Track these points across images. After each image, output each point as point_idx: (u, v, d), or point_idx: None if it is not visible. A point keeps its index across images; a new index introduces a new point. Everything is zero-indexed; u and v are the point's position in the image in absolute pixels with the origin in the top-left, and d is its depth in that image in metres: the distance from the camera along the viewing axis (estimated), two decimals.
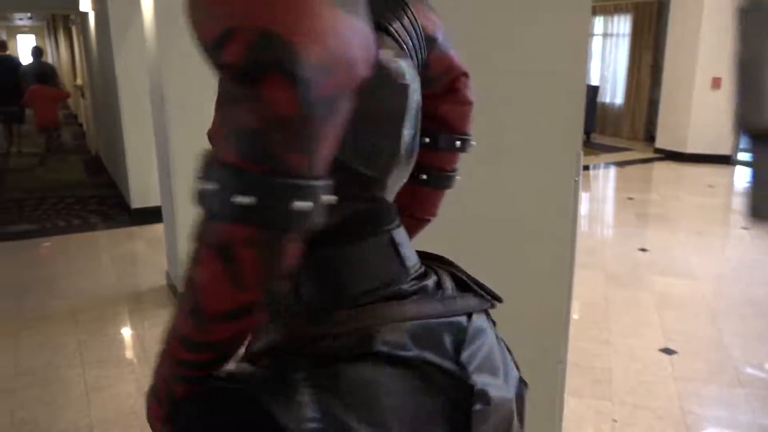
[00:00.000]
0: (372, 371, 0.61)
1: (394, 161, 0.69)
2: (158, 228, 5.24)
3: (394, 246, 0.68)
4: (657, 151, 9.56)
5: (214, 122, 0.53)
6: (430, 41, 0.80)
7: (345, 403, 0.59)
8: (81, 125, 12.15)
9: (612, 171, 8.87)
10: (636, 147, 10.26)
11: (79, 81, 11.43)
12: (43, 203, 6.93)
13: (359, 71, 0.50)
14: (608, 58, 11.43)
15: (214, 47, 0.49)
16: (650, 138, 10.27)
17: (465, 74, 0.89)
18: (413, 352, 0.63)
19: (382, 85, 0.63)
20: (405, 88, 0.67)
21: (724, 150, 8.84)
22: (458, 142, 0.91)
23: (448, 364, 0.65)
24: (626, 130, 11.02)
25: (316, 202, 0.50)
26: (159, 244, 5.06)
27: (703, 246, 5.47)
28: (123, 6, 5.66)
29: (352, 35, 0.49)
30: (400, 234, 0.72)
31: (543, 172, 1.65)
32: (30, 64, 10.43)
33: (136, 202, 6.19)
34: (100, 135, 8.83)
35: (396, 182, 0.74)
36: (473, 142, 0.95)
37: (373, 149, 0.66)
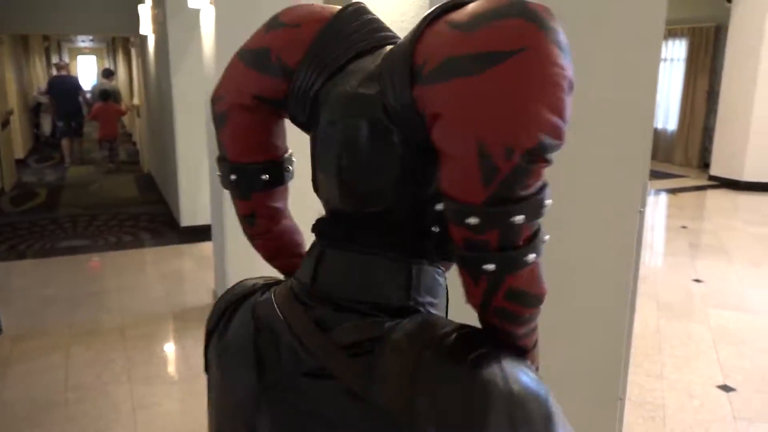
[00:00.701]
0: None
1: (321, 187, 0.74)
2: (205, 246, 5.32)
3: (316, 259, 0.73)
4: (711, 178, 9.28)
5: None
6: (413, 73, 0.62)
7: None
8: (135, 144, 12.54)
9: (664, 198, 8.63)
10: (689, 174, 9.99)
11: (135, 101, 11.84)
12: (96, 219, 7.13)
13: (229, 99, 0.80)
14: (661, 83, 11.19)
15: None
16: (704, 165, 9.98)
17: (437, 115, 0.60)
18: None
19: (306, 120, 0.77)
20: (298, 123, 0.78)
21: None
22: (438, 206, 0.65)
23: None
24: (679, 157, 10.75)
25: (222, 174, 0.83)
26: (206, 262, 5.13)
27: (760, 278, 5.24)
28: (182, 30, 5.83)
29: (235, 79, 0.79)
30: (330, 253, 0.72)
31: (607, 202, 1.60)
32: (96, 85, 11.26)
33: (185, 220, 6.31)
34: (154, 154, 9.07)
35: (338, 210, 0.72)
36: (470, 219, 0.59)
37: (312, 172, 0.76)
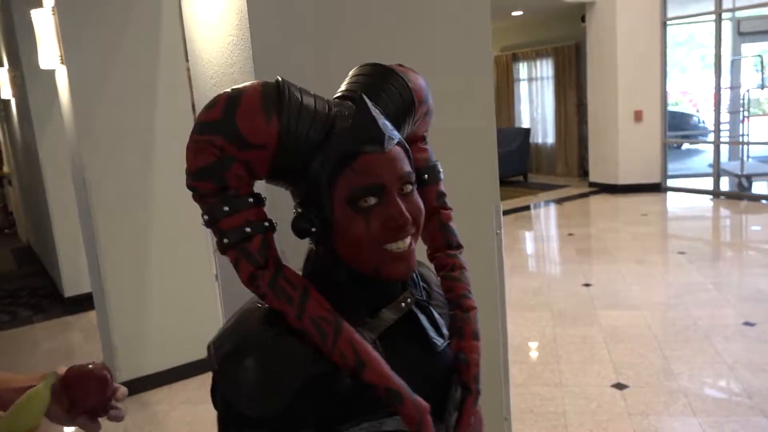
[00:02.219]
0: None
1: None
2: (93, 316, 5.00)
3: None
4: (591, 185, 9.84)
5: None
6: None
7: None
8: (11, 213, 11.74)
9: (552, 208, 9.05)
10: (572, 183, 10.54)
11: (6, 169, 11.11)
12: None
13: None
14: (536, 101, 11.84)
15: None
16: (584, 173, 10.58)
17: None
18: None
19: None
20: None
21: (654, 178, 9.20)
22: None
23: None
24: (560, 168, 11.34)
25: None
26: (94, 332, 4.82)
27: (643, 275, 5.57)
28: (43, 92, 5.56)
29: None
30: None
31: (464, 227, 1.63)
32: None
33: (69, 289, 5.94)
34: (30, 222, 8.52)
35: None
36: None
37: None
